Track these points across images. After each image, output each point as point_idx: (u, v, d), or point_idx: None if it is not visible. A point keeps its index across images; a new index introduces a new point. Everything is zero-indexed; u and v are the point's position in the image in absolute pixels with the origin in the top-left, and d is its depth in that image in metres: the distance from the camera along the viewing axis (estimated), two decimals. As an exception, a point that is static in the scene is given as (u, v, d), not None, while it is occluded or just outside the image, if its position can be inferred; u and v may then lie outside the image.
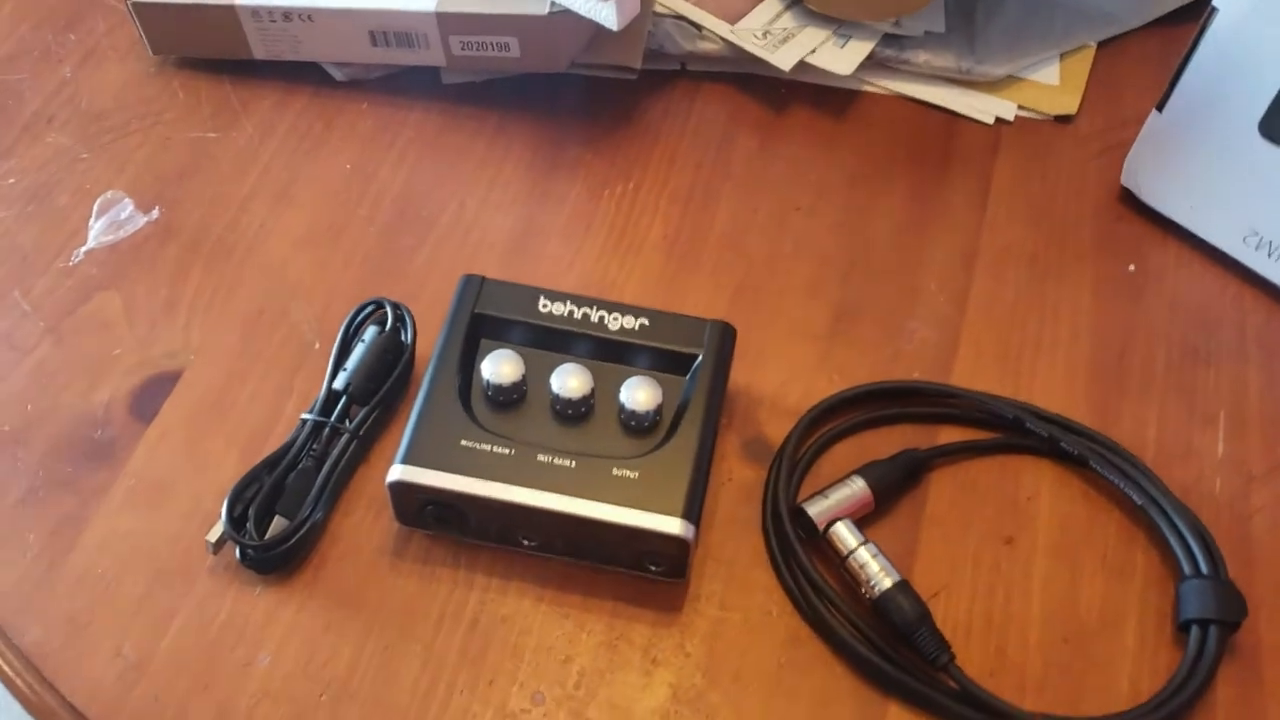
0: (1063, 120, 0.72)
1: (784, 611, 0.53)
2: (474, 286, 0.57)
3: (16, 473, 0.56)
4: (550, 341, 0.56)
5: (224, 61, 0.72)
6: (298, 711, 0.50)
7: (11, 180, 0.67)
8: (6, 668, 0.51)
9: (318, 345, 0.61)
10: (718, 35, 0.72)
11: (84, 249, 0.64)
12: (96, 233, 0.64)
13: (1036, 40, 0.74)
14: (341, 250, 0.65)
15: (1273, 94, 0.59)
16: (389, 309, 0.59)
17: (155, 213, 0.65)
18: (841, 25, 0.72)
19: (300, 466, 0.55)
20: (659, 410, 0.53)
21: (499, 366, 0.53)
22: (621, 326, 0.55)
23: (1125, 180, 0.68)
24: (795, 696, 0.51)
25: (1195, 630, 0.52)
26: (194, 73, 0.72)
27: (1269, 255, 0.63)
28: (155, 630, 0.52)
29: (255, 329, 0.61)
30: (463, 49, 0.68)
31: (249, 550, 0.52)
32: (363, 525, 0.55)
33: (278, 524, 0.53)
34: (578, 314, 0.56)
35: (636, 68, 0.71)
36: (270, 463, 0.54)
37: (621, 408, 0.53)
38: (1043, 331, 0.63)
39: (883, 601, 0.51)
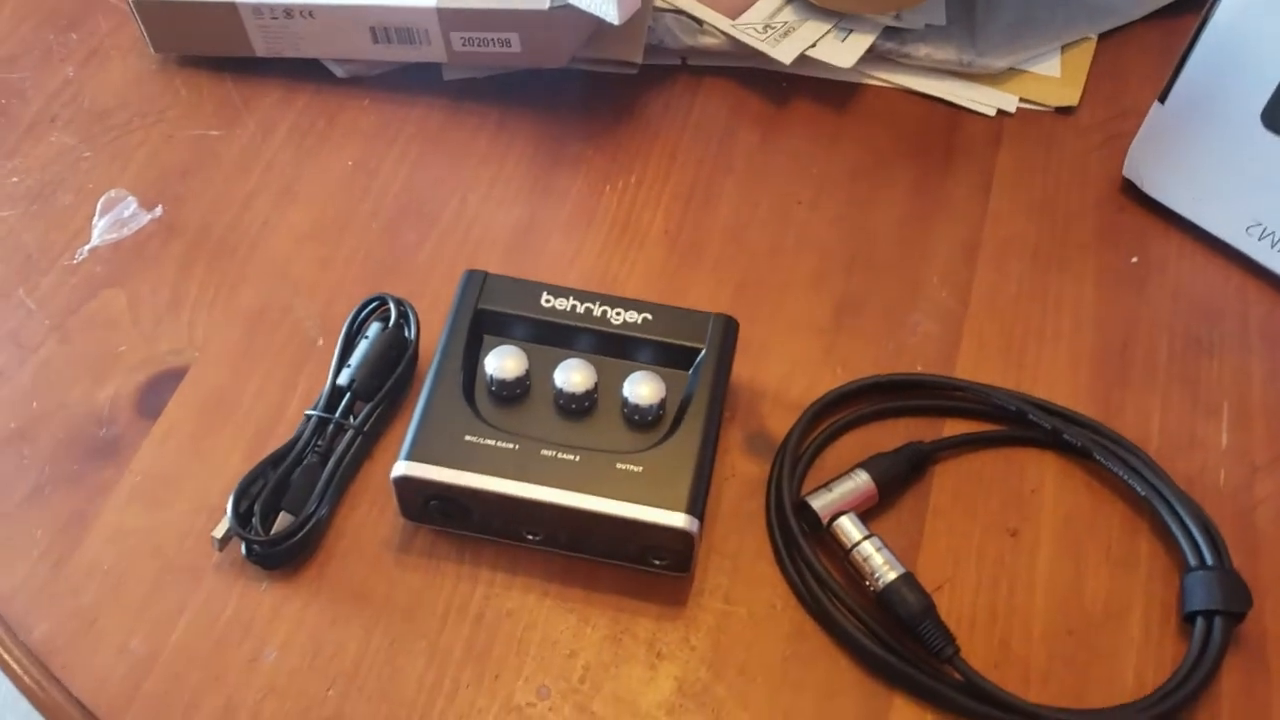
0: (1064, 112, 0.72)
1: (788, 605, 0.53)
2: (477, 282, 0.57)
3: (23, 470, 0.56)
4: (553, 336, 0.56)
5: (226, 59, 0.72)
6: (304, 706, 0.50)
7: (15, 179, 0.67)
8: (14, 664, 0.51)
9: (321, 342, 0.61)
10: (718, 30, 0.72)
11: (88, 247, 0.64)
12: (100, 231, 0.64)
13: (1037, 32, 0.74)
14: (344, 247, 0.65)
15: (1275, 84, 0.59)
16: (392, 305, 0.59)
17: (159, 210, 0.66)
18: (842, 19, 0.72)
19: (305, 462, 0.55)
20: (662, 404, 0.53)
21: (502, 361, 0.53)
22: (624, 321, 0.56)
23: (1127, 171, 0.68)
24: (800, 689, 0.51)
25: (1200, 621, 0.52)
26: (196, 70, 0.73)
27: (1272, 246, 0.63)
28: (162, 626, 0.52)
29: (259, 326, 0.61)
30: (464, 45, 0.68)
31: (254, 546, 0.53)
32: (368, 521, 0.55)
33: (283, 520, 0.53)
34: (580, 309, 0.56)
35: (637, 63, 0.71)
36: (275, 459, 0.54)
37: (625, 402, 0.53)
38: (1045, 323, 0.63)
39: (887, 594, 0.51)
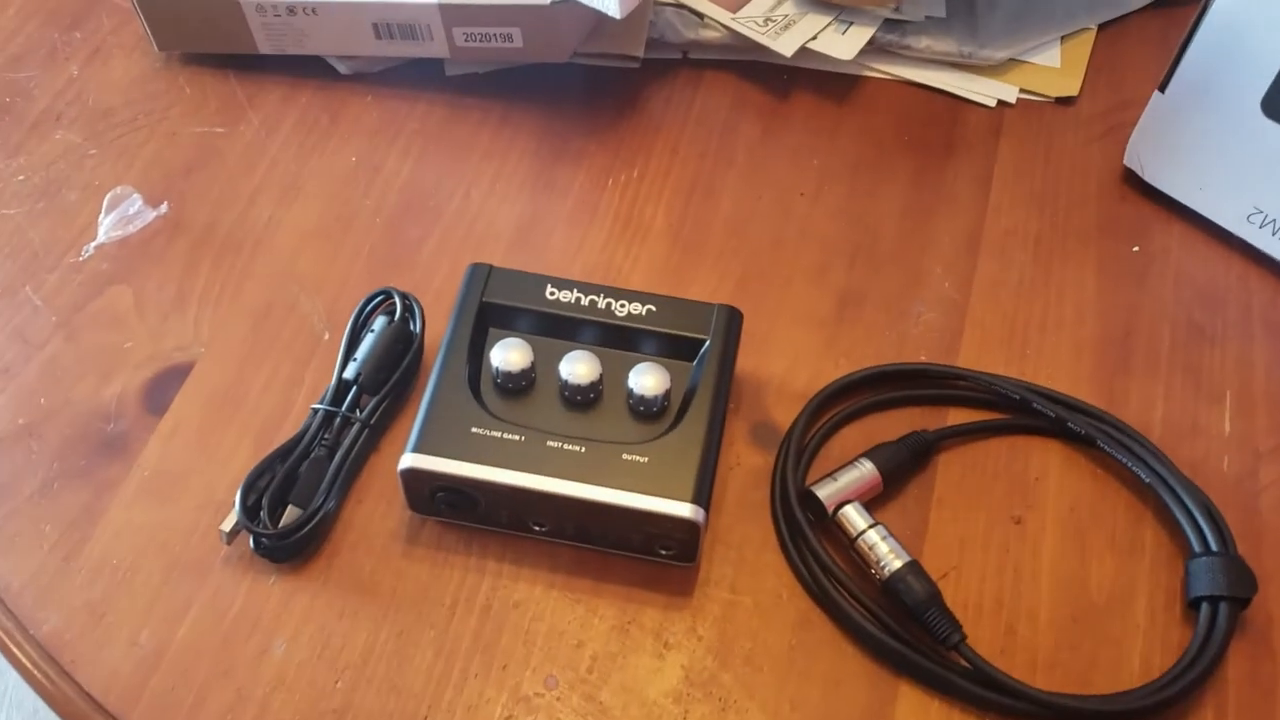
0: (1064, 102, 0.73)
1: (794, 594, 0.54)
2: (481, 275, 0.57)
3: (31, 466, 0.57)
4: (558, 329, 0.56)
5: (229, 56, 0.72)
6: (313, 698, 0.50)
7: (21, 177, 0.67)
8: (24, 659, 0.52)
9: (327, 336, 0.61)
10: (719, 23, 0.72)
11: (94, 244, 0.64)
12: (106, 228, 0.65)
13: (1037, 23, 0.75)
14: (349, 242, 0.65)
15: (1274, 73, 0.59)
16: (397, 299, 0.59)
17: (164, 207, 0.66)
18: (843, 11, 0.72)
19: (312, 456, 0.55)
20: (667, 395, 0.54)
21: (508, 354, 0.54)
22: (629, 313, 0.56)
23: (1128, 161, 0.68)
24: (807, 677, 0.51)
25: (1205, 607, 0.52)
26: (200, 68, 0.73)
27: (1273, 233, 0.63)
28: (171, 620, 0.52)
29: (265, 321, 0.62)
30: (466, 40, 0.68)
31: (263, 539, 0.53)
32: (375, 513, 0.55)
33: (291, 513, 0.53)
34: (585, 301, 0.56)
35: (639, 57, 0.72)
36: (282, 453, 0.55)
37: (630, 393, 0.54)
38: (1048, 312, 0.63)
39: (893, 582, 0.52)
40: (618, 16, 0.63)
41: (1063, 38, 0.75)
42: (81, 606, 0.53)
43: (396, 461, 0.52)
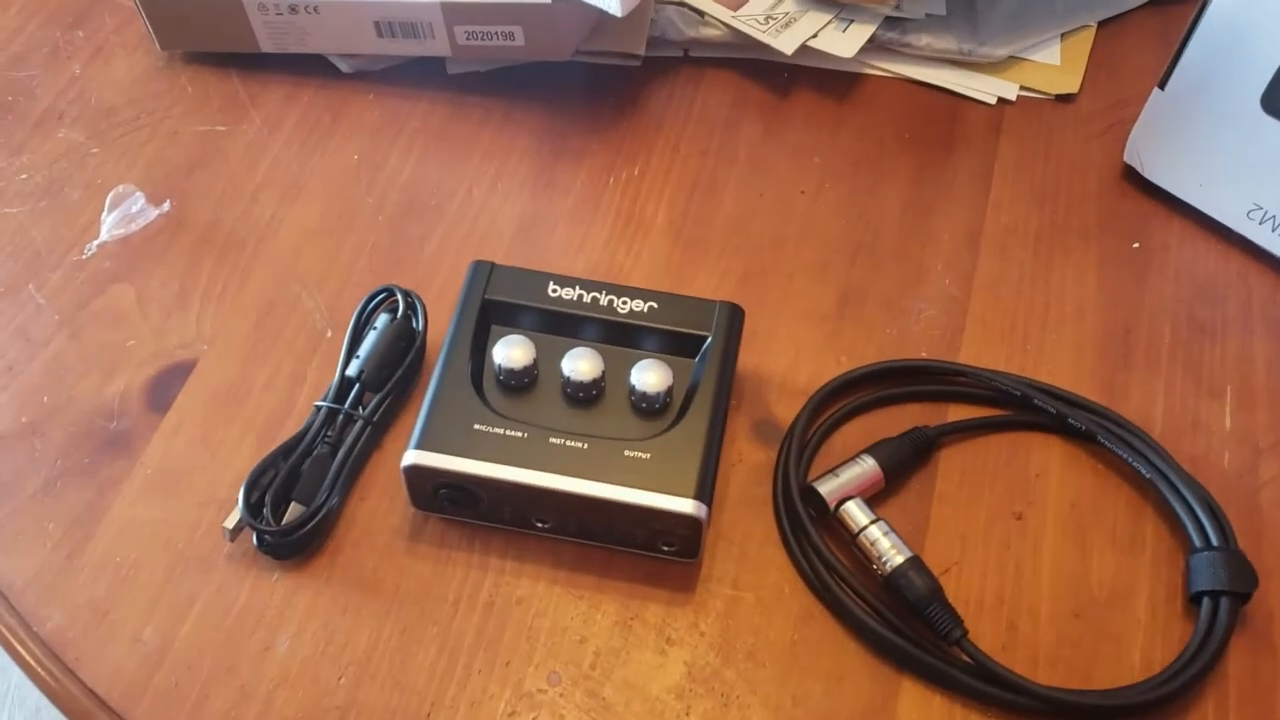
0: (1065, 99, 0.73)
1: (796, 590, 0.54)
2: (484, 273, 0.57)
3: (35, 464, 0.57)
4: (560, 326, 0.56)
5: (231, 55, 0.73)
6: (317, 695, 0.50)
7: (24, 176, 0.67)
8: (28, 656, 0.52)
9: (330, 334, 0.61)
10: (720, 21, 0.72)
11: (97, 242, 0.65)
12: (109, 226, 0.65)
13: (1037, 21, 0.75)
14: (351, 240, 0.65)
15: (1274, 69, 0.59)
16: (400, 296, 0.59)
17: (167, 206, 0.66)
18: (843, 9, 0.72)
19: (315, 453, 0.55)
20: (669, 392, 0.54)
21: (510, 351, 0.54)
22: (631, 310, 0.56)
23: (1128, 157, 0.68)
24: (809, 673, 0.52)
25: (1206, 602, 0.52)
26: (202, 67, 0.73)
27: (1273, 229, 0.63)
28: (175, 617, 0.52)
29: (268, 319, 0.62)
30: (468, 38, 0.68)
31: (266, 536, 0.53)
32: (378, 510, 0.55)
33: (294, 510, 0.53)
34: (587, 298, 0.56)
35: (640, 55, 0.72)
36: (285, 450, 0.55)
37: (632, 390, 0.54)
38: (1049, 309, 0.63)
39: (894, 578, 0.52)
40: (619, 15, 0.63)
41: (1063, 35, 0.75)
42: (85, 604, 0.53)
43: (399, 458, 0.52)
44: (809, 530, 0.54)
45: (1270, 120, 0.60)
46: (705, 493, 0.51)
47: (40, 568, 0.54)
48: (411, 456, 0.52)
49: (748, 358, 0.60)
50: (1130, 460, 0.56)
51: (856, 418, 0.59)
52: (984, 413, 0.59)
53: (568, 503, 0.52)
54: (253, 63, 0.72)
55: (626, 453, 0.52)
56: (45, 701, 0.53)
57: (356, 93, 0.72)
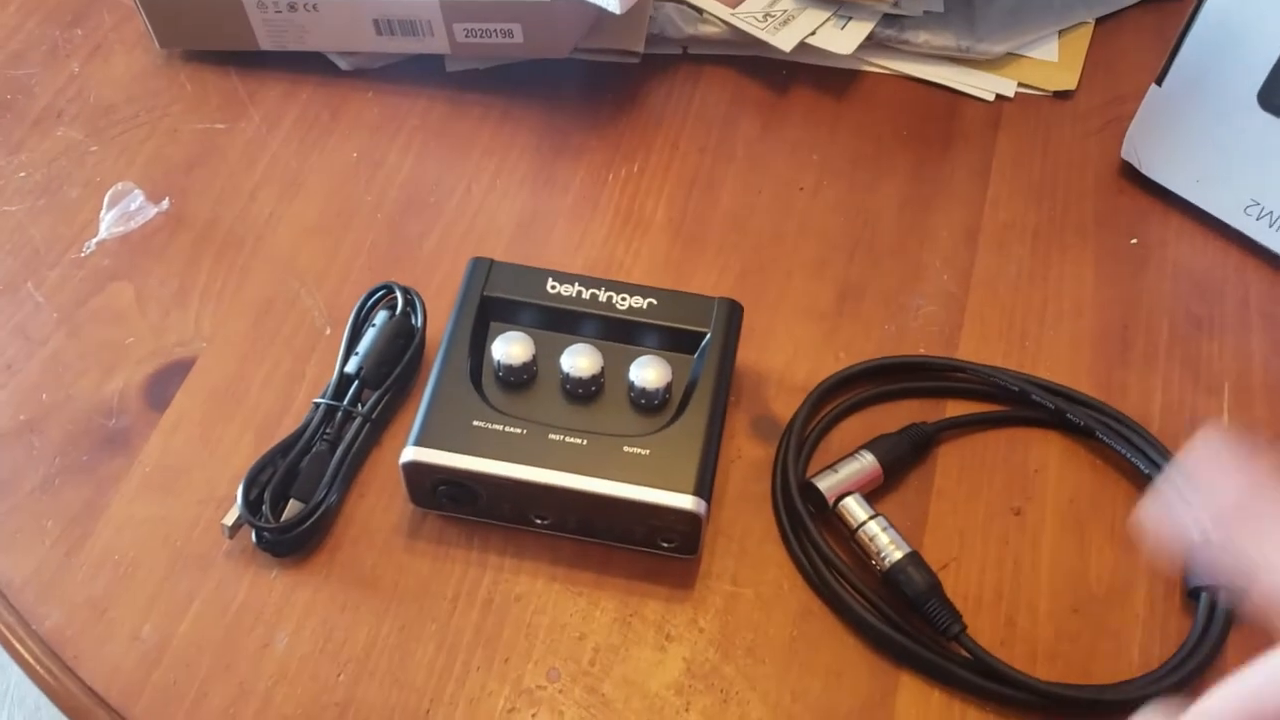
0: (1062, 96, 0.73)
1: (795, 585, 0.54)
2: (483, 269, 0.57)
3: (33, 461, 0.57)
4: (559, 322, 0.56)
5: (230, 53, 0.73)
6: (315, 692, 0.50)
7: (23, 174, 0.67)
8: (26, 654, 0.52)
9: (329, 331, 0.61)
10: (719, 18, 0.72)
11: (95, 240, 0.65)
12: (108, 224, 0.65)
13: (1035, 17, 0.75)
14: (350, 238, 0.65)
15: (1270, 65, 0.59)
16: (399, 293, 0.59)
17: (165, 203, 0.66)
18: (841, 6, 0.72)
19: (314, 450, 0.55)
20: (668, 388, 0.54)
21: (509, 348, 0.54)
22: (630, 306, 0.56)
23: (1125, 154, 0.68)
24: (808, 669, 0.52)
25: (1204, 597, 0.52)
26: (201, 65, 0.73)
27: (1270, 225, 0.63)
28: (173, 614, 0.52)
29: (267, 316, 0.62)
30: (466, 36, 0.68)
31: (265, 533, 0.53)
32: (377, 507, 0.55)
33: (293, 507, 0.53)
34: (586, 295, 0.56)
35: (639, 52, 0.72)
36: (284, 447, 0.55)
37: (631, 386, 0.54)
38: (1047, 305, 0.63)
39: (893, 573, 0.52)
40: (618, 12, 0.63)
41: (1060, 32, 0.75)
42: (83, 602, 0.53)
43: (398, 455, 0.52)
44: (808, 526, 0.54)
45: (1267, 116, 0.60)
46: (704, 489, 0.51)
47: (39, 565, 0.54)
48: (410, 453, 0.52)
49: (746, 354, 0.60)
50: (1128, 456, 0.56)
51: (855, 414, 0.59)
52: (982, 408, 0.59)
53: (567, 499, 0.52)
54: (252, 60, 0.72)
55: (625, 449, 0.52)
56: (45, 700, 0.53)
57: (355, 90, 0.72)
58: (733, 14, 0.72)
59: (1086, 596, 0.54)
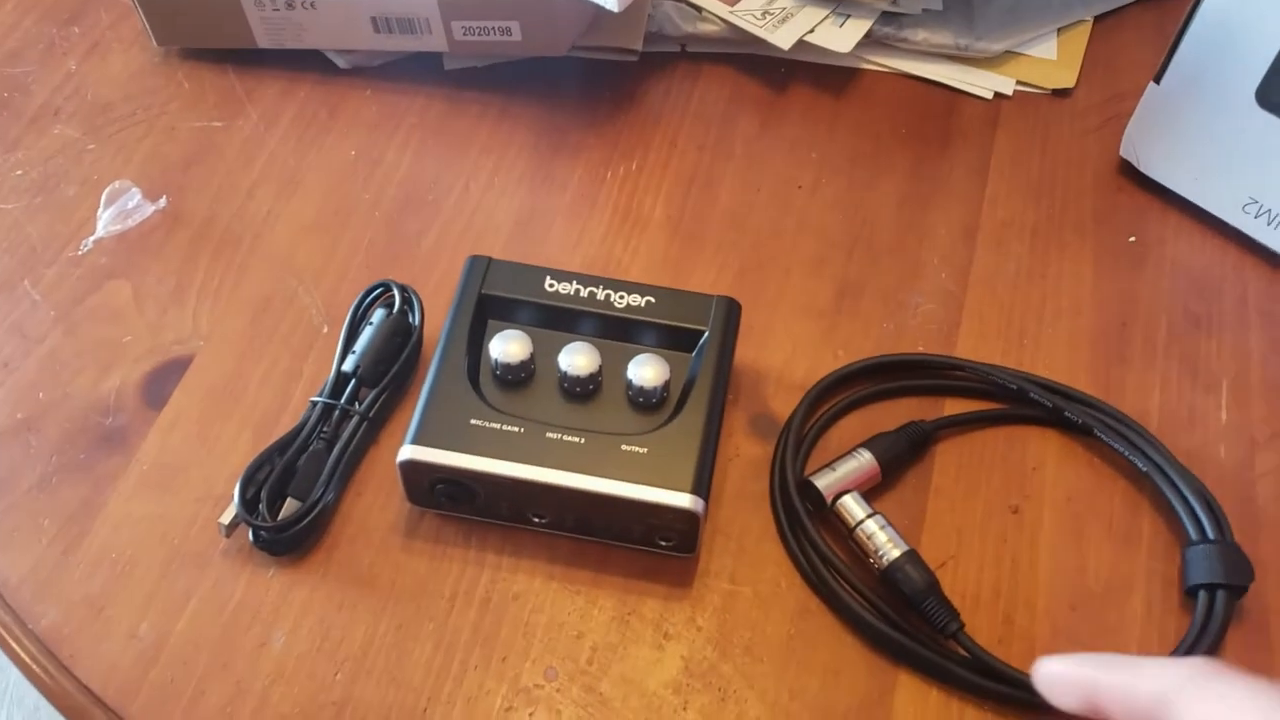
0: (1061, 94, 0.73)
1: (793, 584, 0.54)
2: (480, 267, 0.57)
3: (30, 460, 0.57)
4: (557, 320, 0.56)
5: (228, 51, 0.72)
6: (312, 691, 0.50)
7: (19, 172, 0.67)
8: (23, 653, 0.52)
9: (326, 329, 0.61)
10: (717, 16, 0.72)
11: (93, 238, 0.64)
12: (105, 222, 0.65)
13: (1034, 15, 0.75)
14: (348, 236, 0.65)
15: (1269, 63, 0.59)
16: (396, 292, 0.59)
17: (163, 201, 0.66)
18: (840, 4, 0.72)
19: (311, 449, 0.55)
20: (666, 386, 0.54)
21: (507, 346, 0.54)
22: (628, 304, 0.56)
23: (1124, 152, 0.68)
24: (807, 667, 0.52)
25: (1202, 595, 0.52)
26: (198, 63, 0.73)
27: (1269, 223, 0.63)
28: (170, 613, 0.52)
29: (264, 314, 0.62)
30: (465, 34, 0.68)
31: (262, 532, 0.53)
32: (374, 506, 0.55)
33: (290, 506, 0.53)
34: (584, 293, 0.56)
35: (637, 50, 0.72)
36: (281, 445, 0.55)
37: (629, 384, 0.54)
38: (1045, 303, 0.63)
39: (891, 571, 0.52)
40: (616, 10, 0.63)
41: (1059, 30, 0.75)
42: (80, 600, 0.53)
43: (395, 454, 0.52)
44: (806, 524, 0.54)
45: (1265, 114, 0.60)
46: (702, 487, 0.51)
47: (35, 564, 0.54)
48: (407, 452, 0.52)
49: (745, 352, 0.60)
50: (1126, 454, 0.56)
51: (853, 412, 0.59)
52: (980, 406, 0.59)
53: (564, 498, 0.52)
54: (249, 58, 0.72)
55: (623, 447, 0.52)
56: (44, 699, 0.53)
57: (353, 88, 0.72)
58: (731, 12, 0.72)
59: (1084, 594, 0.54)
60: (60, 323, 0.61)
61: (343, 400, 0.56)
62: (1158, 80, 0.64)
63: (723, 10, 0.72)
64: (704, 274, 0.64)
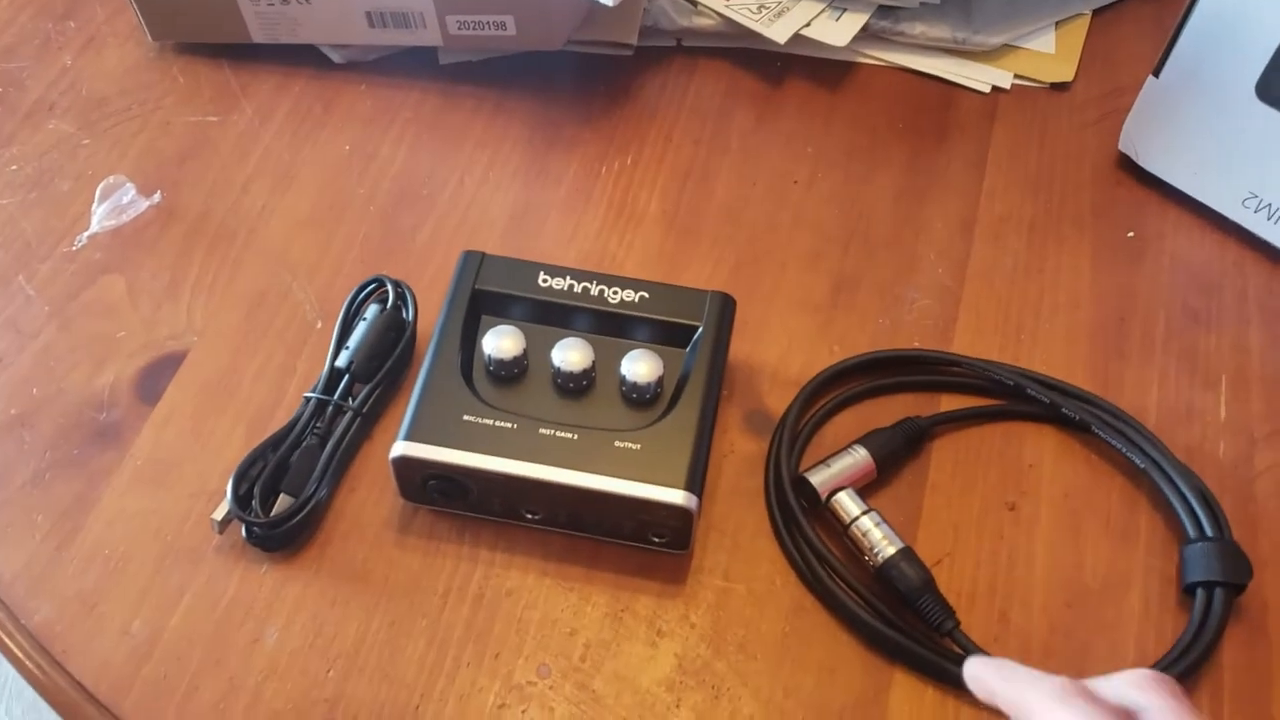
0: (1059, 88, 0.72)
1: (788, 581, 0.54)
2: (474, 263, 0.57)
3: (24, 455, 0.56)
4: (551, 316, 0.56)
5: (223, 46, 0.72)
6: (305, 687, 0.50)
7: (14, 167, 0.67)
8: (16, 649, 0.52)
9: (320, 325, 0.61)
10: (713, 10, 0.72)
11: (87, 234, 0.64)
12: (99, 217, 0.65)
13: (1032, 9, 0.74)
14: (342, 230, 0.65)
15: (1268, 56, 0.59)
16: (390, 287, 0.59)
17: (157, 197, 0.66)
18: (837, -2, 0.72)
19: (304, 445, 0.55)
20: (660, 382, 0.54)
21: (500, 341, 0.54)
22: (621, 300, 0.56)
23: (1123, 146, 0.67)
24: (801, 665, 0.51)
25: (1200, 593, 0.52)
26: (193, 57, 0.73)
27: (1268, 217, 0.63)
28: (163, 609, 0.52)
29: (258, 310, 0.61)
30: (459, 28, 0.68)
31: (254, 528, 0.53)
32: (367, 502, 0.55)
33: (283, 502, 0.53)
34: (578, 288, 0.56)
35: (633, 44, 0.71)
36: (274, 441, 0.55)
37: (623, 380, 0.54)
38: (1042, 298, 0.63)
39: (886, 569, 0.51)
40: (611, 4, 0.62)
41: (1057, 23, 0.75)
42: (73, 596, 0.52)
43: (388, 450, 0.52)
44: (800, 521, 0.53)
45: (1265, 108, 0.60)
46: (696, 484, 0.51)
47: (29, 560, 0.53)
48: (400, 448, 0.51)
49: (740, 347, 0.60)
50: (1124, 450, 0.56)
51: (849, 408, 0.59)
52: (977, 402, 0.59)
53: (557, 494, 0.51)
54: (244, 53, 0.72)
55: (617, 443, 0.52)
56: (40, 694, 0.53)
57: (348, 83, 0.72)
58: (727, 6, 0.71)
59: (1081, 592, 0.53)
60: (54, 318, 0.61)
61: (336, 396, 0.56)
62: (1157, 74, 0.64)
63: (718, 4, 0.71)
64: (699, 269, 0.64)
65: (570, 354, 0.53)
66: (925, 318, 0.62)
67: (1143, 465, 0.55)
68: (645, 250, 0.64)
